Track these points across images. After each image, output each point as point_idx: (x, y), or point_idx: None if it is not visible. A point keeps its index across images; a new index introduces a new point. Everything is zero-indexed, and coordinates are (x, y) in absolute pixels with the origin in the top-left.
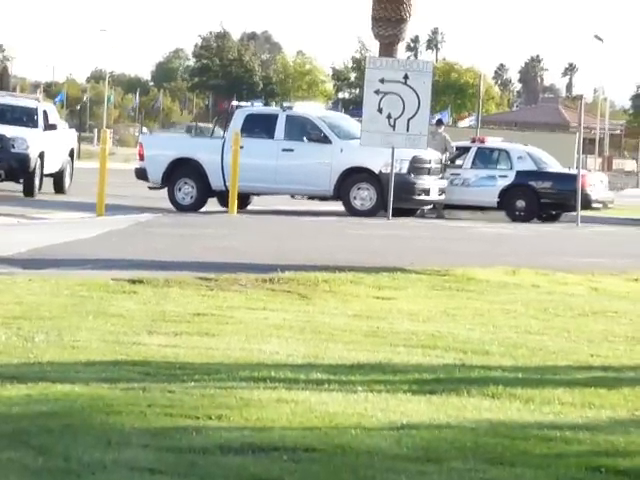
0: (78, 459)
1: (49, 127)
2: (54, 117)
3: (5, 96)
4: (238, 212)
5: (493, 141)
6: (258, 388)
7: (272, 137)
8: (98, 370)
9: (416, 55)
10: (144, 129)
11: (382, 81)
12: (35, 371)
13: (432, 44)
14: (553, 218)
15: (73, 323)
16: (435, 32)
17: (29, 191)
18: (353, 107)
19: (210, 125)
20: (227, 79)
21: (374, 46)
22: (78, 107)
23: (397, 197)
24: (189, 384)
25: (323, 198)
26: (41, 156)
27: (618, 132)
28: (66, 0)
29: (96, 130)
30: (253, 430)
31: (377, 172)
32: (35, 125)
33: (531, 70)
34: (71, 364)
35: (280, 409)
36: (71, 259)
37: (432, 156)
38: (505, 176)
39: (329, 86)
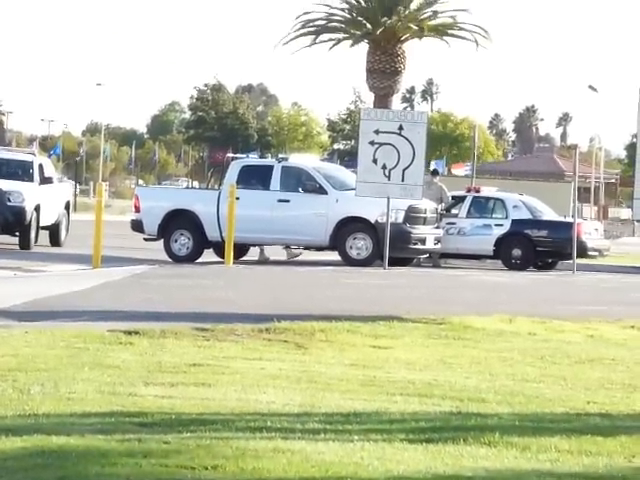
0: None
1: (45, 181)
2: (50, 170)
3: (1, 150)
4: (234, 263)
5: (488, 190)
6: (254, 438)
7: (268, 188)
8: (94, 421)
9: (412, 106)
10: (140, 181)
11: (377, 132)
12: (30, 423)
13: (427, 94)
14: (549, 266)
15: (69, 375)
16: (430, 83)
17: (25, 244)
18: (348, 158)
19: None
20: (222, 131)
21: (369, 97)
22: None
23: (393, 246)
24: (185, 434)
25: (319, 248)
26: (37, 209)
27: (613, 181)
28: (62, 54)
29: (92, 183)
30: None
31: (373, 222)
32: (31, 179)
33: (526, 120)
34: (67, 416)
35: (276, 459)
36: (67, 311)
37: (428, 206)
38: (501, 225)
39: (324, 137)
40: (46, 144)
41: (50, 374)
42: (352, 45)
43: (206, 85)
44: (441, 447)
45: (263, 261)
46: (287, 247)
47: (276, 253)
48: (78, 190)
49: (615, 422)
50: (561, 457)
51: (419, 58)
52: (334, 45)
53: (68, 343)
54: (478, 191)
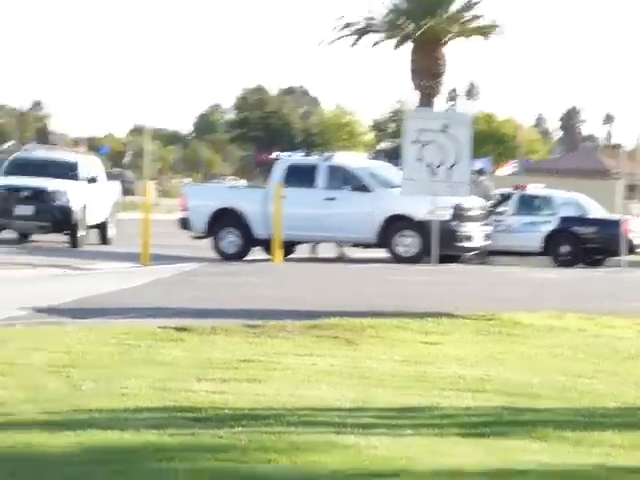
0: None
1: (92, 180)
2: (98, 170)
3: (52, 149)
4: (283, 260)
5: (535, 188)
6: (307, 433)
7: (313, 186)
8: (147, 417)
9: (456, 106)
10: (189, 180)
11: (422, 131)
12: (84, 418)
13: (470, 96)
14: (597, 263)
15: (121, 371)
16: (472, 85)
17: (74, 242)
18: (395, 156)
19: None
20: (267, 131)
21: (413, 97)
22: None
23: (440, 244)
24: (238, 429)
25: (367, 245)
26: (84, 208)
27: None
28: (107, 58)
29: (140, 182)
30: (302, 474)
31: (419, 219)
32: (76, 178)
33: (572, 118)
34: (120, 411)
35: (329, 453)
36: (117, 308)
37: (475, 203)
38: (549, 222)
39: (369, 136)
40: (92, 145)
41: (102, 370)
42: (397, 46)
43: (246, 89)
44: (493, 441)
45: (314, 257)
46: (339, 245)
47: (324, 250)
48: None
49: None
50: (614, 451)
51: (460, 60)
52: (375, 44)
53: (119, 340)
54: (524, 189)
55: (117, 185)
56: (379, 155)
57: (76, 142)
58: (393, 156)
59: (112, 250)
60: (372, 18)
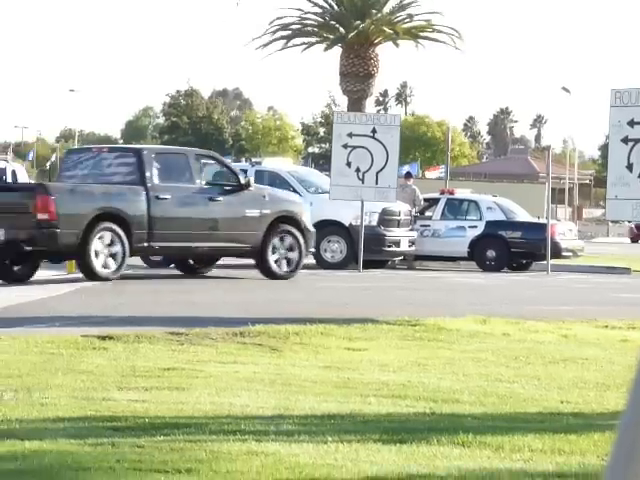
0: None
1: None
2: (23, 177)
3: None
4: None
5: (462, 192)
6: (228, 441)
7: None
8: (67, 426)
9: (385, 109)
10: None
11: (350, 135)
12: (3, 429)
13: (401, 98)
14: (523, 267)
15: (42, 380)
16: (404, 86)
17: None
18: (323, 162)
19: None
20: (196, 136)
21: (343, 101)
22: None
23: (367, 249)
24: (158, 438)
25: None
26: None
27: (587, 182)
28: (34, 60)
29: None
30: None
31: (347, 225)
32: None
33: (500, 122)
34: (40, 421)
35: (250, 461)
36: (40, 317)
37: (402, 208)
38: (475, 226)
39: (299, 141)
40: (20, 150)
41: (23, 380)
42: (326, 49)
43: (178, 91)
44: (415, 448)
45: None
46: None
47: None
48: None
49: (588, 421)
50: (534, 456)
51: (393, 62)
52: (306, 48)
53: (42, 349)
54: (452, 193)
55: None
56: (306, 161)
57: (4, 147)
58: (321, 161)
59: None
60: (304, 19)
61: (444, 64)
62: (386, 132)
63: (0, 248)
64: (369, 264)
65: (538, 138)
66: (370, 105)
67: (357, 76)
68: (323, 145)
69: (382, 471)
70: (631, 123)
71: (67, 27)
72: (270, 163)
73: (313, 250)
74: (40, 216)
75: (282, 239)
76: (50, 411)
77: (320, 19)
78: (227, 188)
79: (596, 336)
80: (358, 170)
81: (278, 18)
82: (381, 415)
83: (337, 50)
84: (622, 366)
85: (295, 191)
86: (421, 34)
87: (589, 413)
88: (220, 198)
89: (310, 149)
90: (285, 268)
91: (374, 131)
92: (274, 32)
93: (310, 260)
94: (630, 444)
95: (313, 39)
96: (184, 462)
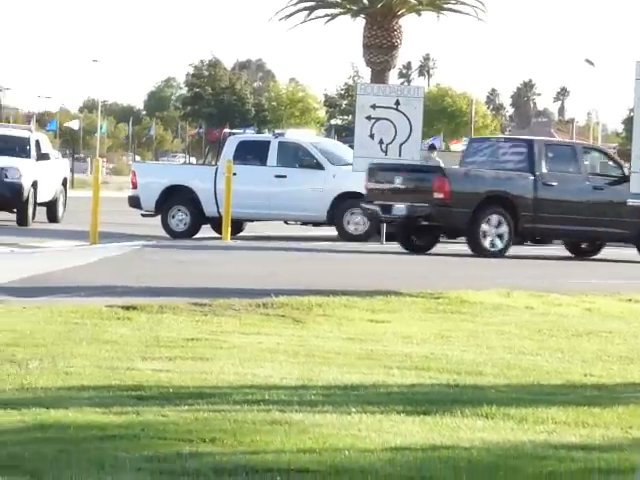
0: None
1: (42, 157)
2: (46, 147)
3: (2, 125)
4: (231, 238)
5: None
6: (252, 411)
7: (265, 164)
8: (92, 395)
9: (408, 81)
10: (137, 157)
11: (373, 107)
12: (29, 397)
13: (424, 70)
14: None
15: (67, 349)
16: (427, 58)
17: (22, 220)
18: (346, 134)
19: None
20: (219, 107)
21: (367, 73)
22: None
23: None
24: (182, 408)
25: (317, 224)
26: (34, 185)
27: None
28: (58, 31)
29: (89, 159)
30: (247, 452)
31: None
32: (28, 155)
33: (523, 95)
34: (65, 389)
35: (274, 431)
36: (65, 286)
37: None
38: None
39: (322, 113)
40: (43, 121)
41: (48, 349)
42: (351, 18)
43: (202, 61)
44: (438, 419)
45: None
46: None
47: (273, 228)
48: (75, 167)
49: (612, 394)
50: (558, 428)
51: (416, 34)
52: (329, 20)
53: (66, 319)
54: None
55: (66, 162)
56: (329, 132)
57: (28, 117)
58: (344, 133)
59: (61, 228)
60: None
61: (467, 36)
62: (409, 104)
63: (402, 222)
64: (392, 237)
65: (561, 111)
66: (393, 77)
67: (380, 48)
68: (346, 117)
69: (406, 442)
70: None
71: None
72: (293, 135)
73: None
74: (436, 195)
75: None
76: (75, 380)
77: None
78: (611, 179)
79: (620, 310)
80: (381, 142)
81: None
82: (404, 387)
83: (360, 22)
84: None
85: (318, 163)
86: (445, 5)
87: (613, 386)
88: (603, 188)
89: (333, 121)
90: None
91: (397, 103)
92: (297, 3)
93: (332, 232)
94: None
95: (336, 10)
96: (208, 432)
